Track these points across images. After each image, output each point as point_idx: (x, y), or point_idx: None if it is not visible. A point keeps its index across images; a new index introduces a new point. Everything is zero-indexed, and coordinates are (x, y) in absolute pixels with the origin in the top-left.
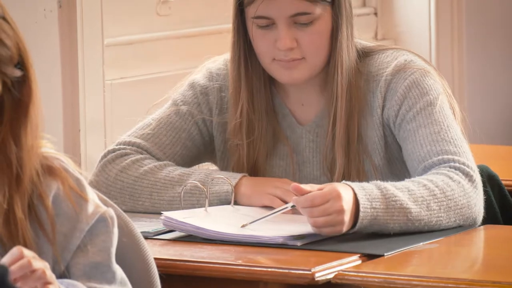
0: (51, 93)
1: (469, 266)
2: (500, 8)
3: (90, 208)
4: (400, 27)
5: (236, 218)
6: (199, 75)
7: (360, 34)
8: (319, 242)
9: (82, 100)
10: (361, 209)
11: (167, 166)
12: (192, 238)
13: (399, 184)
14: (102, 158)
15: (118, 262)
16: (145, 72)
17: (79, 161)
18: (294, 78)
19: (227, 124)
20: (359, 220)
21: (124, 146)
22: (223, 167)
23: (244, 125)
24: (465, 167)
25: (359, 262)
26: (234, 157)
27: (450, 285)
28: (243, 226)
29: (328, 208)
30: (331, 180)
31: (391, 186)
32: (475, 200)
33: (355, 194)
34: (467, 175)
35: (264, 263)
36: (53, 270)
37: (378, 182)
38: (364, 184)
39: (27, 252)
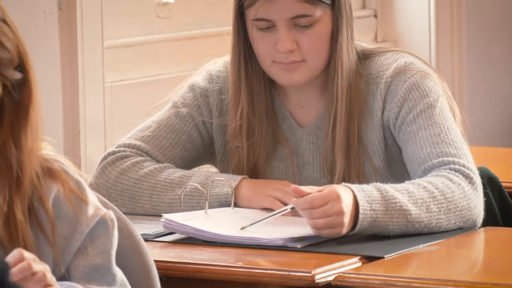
0: (51, 95)
1: (469, 268)
2: (500, 10)
3: (90, 210)
4: (400, 29)
5: (236, 220)
6: (199, 77)
7: (360, 36)
8: (319, 244)
9: (82, 102)
10: (361, 211)
11: (167, 168)
12: (192, 240)
13: (399, 186)
14: (102, 160)
15: (118, 264)
16: (145, 74)
17: (79, 163)
18: (294, 80)
19: (227, 126)
20: (359, 222)
21: (124, 148)
22: (223, 169)
23: (244, 127)
24: (465, 169)
25: (359, 264)
26: (234, 159)
27: (450, 287)
28: (242, 228)
29: (328, 210)
30: (331, 182)
31: (390, 188)
32: (475, 202)
33: (354, 196)
34: (467, 177)
35: (264, 265)
36: (53, 272)
37: (378, 184)
38: (364, 186)
39: (28, 255)
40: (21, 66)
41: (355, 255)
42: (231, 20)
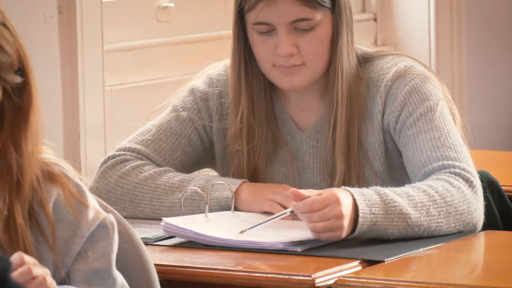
0: (51, 99)
1: (469, 272)
2: (500, 13)
3: (91, 214)
4: (400, 33)
5: (236, 224)
6: (199, 81)
7: (360, 40)
8: (319, 248)
9: (82, 106)
10: (360, 214)
11: (167, 172)
12: (192, 244)
13: (399, 189)
14: (102, 164)
15: (118, 268)
16: (145, 78)
17: (79, 167)
18: (294, 84)
19: (227, 130)
20: (358, 226)
21: (124, 152)
22: (223, 173)
23: (244, 131)
24: (465, 172)
25: (359, 268)
26: (234, 163)
27: None
28: (241, 232)
29: (327, 213)
30: (331, 185)
31: (390, 192)
32: (475, 206)
33: (354, 200)
34: (467, 180)
35: (264, 269)
36: (54, 276)
37: (378, 187)
38: (364, 189)
39: (28, 259)
40: (21, 70)
41: (355, 258)
42: (231, 24)
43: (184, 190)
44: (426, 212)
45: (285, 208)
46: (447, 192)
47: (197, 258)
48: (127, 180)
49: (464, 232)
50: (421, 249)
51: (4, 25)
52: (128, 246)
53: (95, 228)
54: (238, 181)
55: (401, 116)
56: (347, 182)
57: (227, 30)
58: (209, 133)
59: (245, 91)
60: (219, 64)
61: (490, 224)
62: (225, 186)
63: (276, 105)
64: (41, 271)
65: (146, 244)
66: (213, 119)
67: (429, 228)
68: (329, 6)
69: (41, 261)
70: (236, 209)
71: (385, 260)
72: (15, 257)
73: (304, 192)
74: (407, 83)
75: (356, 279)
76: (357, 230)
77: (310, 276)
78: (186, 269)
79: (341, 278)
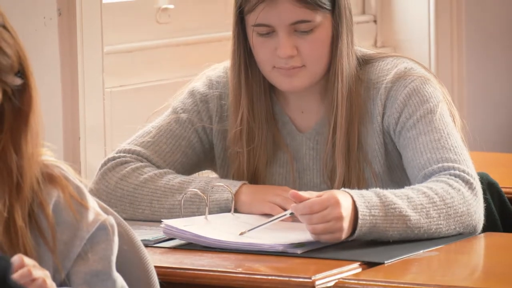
0: (51, 101)
1: (469, 274)
2: (500, 16)
3: (91, 216)
4: (400, 35)
5: (236, 226)
6: (199, 83)
7: (360, 42)
8: (319, 250)
9: (82, 108)
10: (360, 216)
11: (167, 174)
12: (192, 246)
13: (399, 191)
14: (102, 166)
15: (118, 270)
16: (145, 80)
17: (79, 169)
18: (294, 86)
19: (227, 132)
20: (358, 227)
21: (124, 154)
22: (223, 175)
23: (244, 133)
24: (465, 174)
25: (359, 270)
26: (234, 165)
27: None
28: (241, 233)
29: (327, 215)
30: (331, 187)
31: (390, 194)
32: (475, 208)
33: (354, 201)
34: (467, 182)
35: (264, 271)
36: (54, 278)
37: (377, 189)
38: (363, 191)
39: (28, 261)
40: (21, 72)
41: (355, 260)
42: (231, 26)
43: (184, 192)
44: (426, 214)
45: (285, 210)
46: (447, 194)
47: (197, 260)
48: (127, 182)
49: (464, 234)
50: (421, 251)
51: (4, 27)
52: (128, 248)
53: (95, 230)
54: (238, 183)
55: (401, 118)
56: (347, 184)
57: (227, 32)
58: (209, 135)
59: (245, 93)
60: (219, 66)
61: (490, 226)
62: (225, 188)
63: (276, 107)
64: (41, 273)
65: (146, 246)
66: (213, 121)
67: (429, 230)
68: (329, 8)
69: (41, 263)
70: (236, 211)
71: (385, 262)
72: (15, 259)
73: (304, 194)
74: (407, 85)
75: (356, 281)
76: (357, 232)
77: (310, 278)
78: (186, 271)
79: (341, 280)
